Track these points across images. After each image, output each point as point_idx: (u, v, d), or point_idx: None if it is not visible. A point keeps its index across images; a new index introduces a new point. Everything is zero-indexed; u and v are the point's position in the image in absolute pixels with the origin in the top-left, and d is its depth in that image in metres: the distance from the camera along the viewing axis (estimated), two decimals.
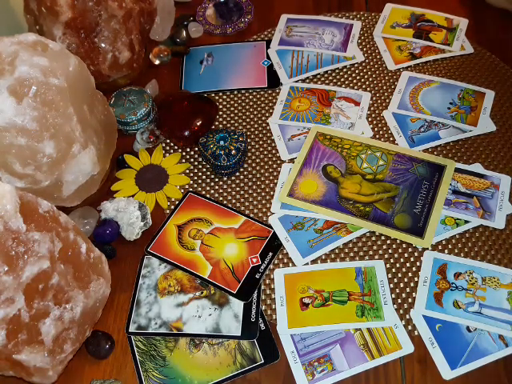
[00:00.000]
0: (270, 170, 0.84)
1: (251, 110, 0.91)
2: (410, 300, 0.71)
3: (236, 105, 0.92)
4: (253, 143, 0.87)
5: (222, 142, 0.83)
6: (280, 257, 0.76)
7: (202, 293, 0.73)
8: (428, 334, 0.68)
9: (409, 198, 0.78)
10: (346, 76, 0.93)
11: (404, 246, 0.75)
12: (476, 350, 0.67)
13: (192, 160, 0.86)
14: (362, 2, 1.04)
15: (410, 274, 0.73)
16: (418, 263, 0.74)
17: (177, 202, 0.81)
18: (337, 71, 0.94)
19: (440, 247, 0.75)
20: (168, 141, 0.88)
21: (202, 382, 0.67)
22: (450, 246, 0.75)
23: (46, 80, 0.67)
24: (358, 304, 0.70)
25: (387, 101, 0.90)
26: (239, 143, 0.82)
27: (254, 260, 0.74)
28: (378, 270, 0.73)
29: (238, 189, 0.83)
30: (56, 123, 0.68)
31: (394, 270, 0.74)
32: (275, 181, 0.83)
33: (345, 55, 0.95)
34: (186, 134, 0.85)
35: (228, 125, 0.89)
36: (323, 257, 0.75)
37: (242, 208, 0.80)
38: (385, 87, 0.91)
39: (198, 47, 0.99)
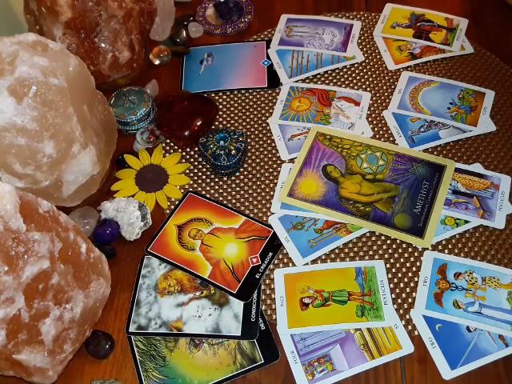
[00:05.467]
0: (270, 170, 0.84)
1: (251, 110, 0.91)
2: (410, 300, 0.71)
3: (236, 105, 0.92)
4: (253, 143, 0.87)
5: (222, 142, 0.83)
6: (280, 257, 0.76)
7: (202, 293, 0.73)
8: (428, 334, 0.68)
9: (409, 198, 0.78)
10: (346, 76, 0.93)
11: (404, 245, 0.75)
12: (476, 350, 0.67)
13: (192, 160, 0.86)
14: (361, 2, 1.04)
15: (410, 274, 0.73)
16: (418, 263, 0.74)
17: (177, 202, 0.81)
18: (337, 71, 0.94)
19: (440, 247, 0.75)
20: (168, 141, 0.88)
21: (201, 382, 0.67)
22: (450, 246, 0.75)
23: (46, 80, 0.67)
24: (358, 304, 0.70)
25: (387, 101, 0.90)
26: (239, 143, 0.82)
27: (254, 260, 0.74)
28: (378, 270, 0.73)
29: (238, 189, 0.83)
30: (56, 123, 0.68)
31: (394, 270, 0.74)
32: (275, 181, 0.83)
33: (345, 55, 0.95)
34: (186, 133, 0.85)
35: (228, 125, 0.89)
36: (323, 257, 0.75)
37: (242, 208, 0.80)
38: (385, 87, 0.91)
39: (198, 47, 0.99)
